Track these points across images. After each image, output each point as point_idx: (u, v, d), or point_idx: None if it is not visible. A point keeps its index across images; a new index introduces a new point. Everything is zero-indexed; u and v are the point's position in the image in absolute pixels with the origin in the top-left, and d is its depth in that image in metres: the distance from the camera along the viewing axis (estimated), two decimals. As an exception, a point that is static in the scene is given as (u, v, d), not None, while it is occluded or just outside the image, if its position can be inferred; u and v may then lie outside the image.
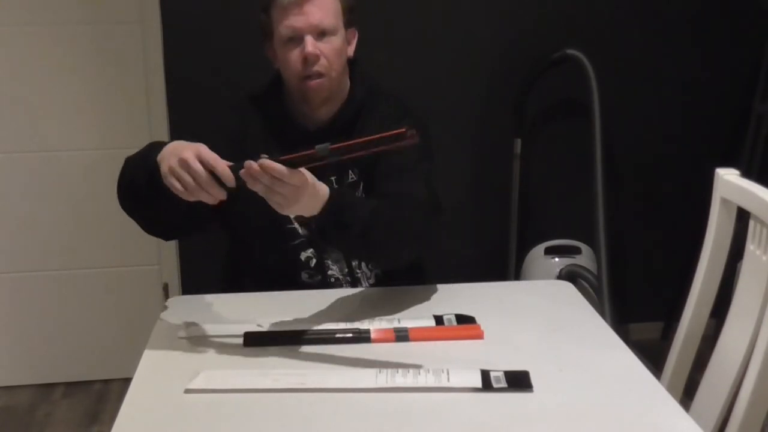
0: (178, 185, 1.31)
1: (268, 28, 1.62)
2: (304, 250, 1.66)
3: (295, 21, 1.55)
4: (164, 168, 1.33)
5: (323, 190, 1.36)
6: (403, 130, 1.22)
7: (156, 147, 1.41)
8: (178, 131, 2.74)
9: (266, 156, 1.25)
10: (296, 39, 1.56)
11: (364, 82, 1.68)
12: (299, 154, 1.27)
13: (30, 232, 2.78)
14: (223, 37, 2.69)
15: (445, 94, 2.83)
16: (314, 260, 1.66)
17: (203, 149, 1.31)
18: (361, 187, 1.64)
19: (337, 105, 1.65)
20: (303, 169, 1.28)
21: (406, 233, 1.52)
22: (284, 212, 1.33)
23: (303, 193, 1.30)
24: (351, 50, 1.67)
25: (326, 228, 1.40)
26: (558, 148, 2.95)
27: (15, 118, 2.69)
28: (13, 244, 2.78)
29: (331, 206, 1.36)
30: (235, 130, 1.66)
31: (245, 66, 2.61)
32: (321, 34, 1.56)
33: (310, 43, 1.55)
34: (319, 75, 1.57)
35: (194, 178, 1.29)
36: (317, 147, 1.26)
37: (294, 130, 1.65)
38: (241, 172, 1.27)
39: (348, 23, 1.63)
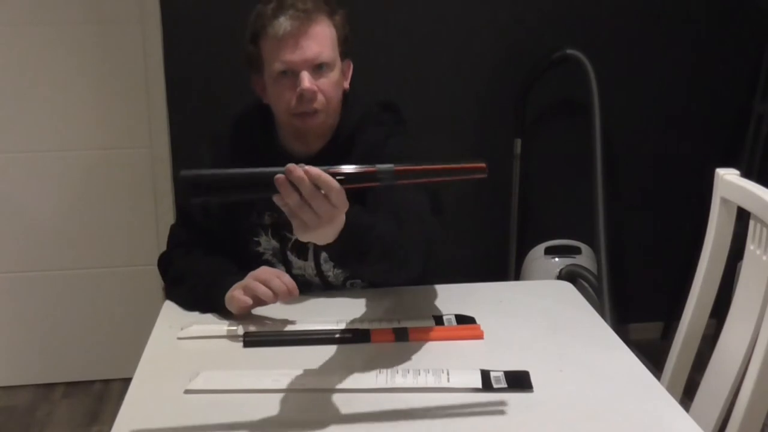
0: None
1: (256, 61, 1.51)
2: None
3: (290, 55, 1.44)
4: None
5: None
6: (483, 166, 1.08)
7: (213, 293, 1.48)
8: (178, 132, 2.75)
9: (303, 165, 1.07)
10: (290, 74, 1.46)
11: (355, 111, 1.58)
12: (355, 169, 1.09)
13: (30, 232, 2.78)
14: (223, 36, 2.69)
15: (445, 94, 2.83)
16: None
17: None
18: None
19: (328, 137, 1.56)
20: None
21: (419, 248, 1.39)
22: (305, 236, 1.12)
23: (337, 217, 1.11)
24: (347, 83, 1.57)
25: (343, 256, 1.27)
26: (558, 148, 2.95)
27: (15, 118, 2.69)
28: (13, 244, 2.78)
29: (347, 234, 1.17)
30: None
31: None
32: (317, 68, 1.46)
33: (307, 79, 1.44)
34: (316, 112, 1.48)
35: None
36: (378, 167, 1.08)
37: (279, 162, 1.57)
38: (278, 177, 1.06)
39: (344, 54, 1.53)
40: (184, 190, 1.14)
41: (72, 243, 2.80)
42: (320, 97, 1.47)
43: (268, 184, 1.07)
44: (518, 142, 2.88)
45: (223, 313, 1.47)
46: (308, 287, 1.63)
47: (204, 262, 1.57)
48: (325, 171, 1.07)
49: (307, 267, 1.61)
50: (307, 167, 1.06)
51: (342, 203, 1.09)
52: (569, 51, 2.72)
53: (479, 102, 2.88)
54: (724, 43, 2.90)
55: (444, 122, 2.84)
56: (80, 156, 2.74)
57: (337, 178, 1.08)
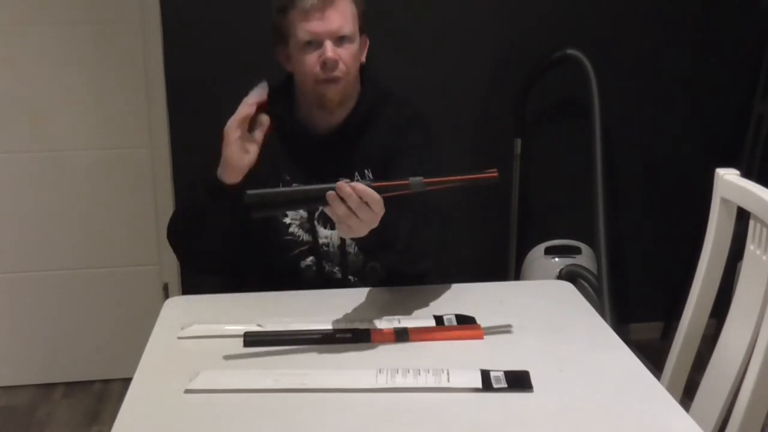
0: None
1: (283, 31, 1.61)
2: (304, 259, 1.67)
3: (316, 26, 1.55)
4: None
5: None
6: (495, 173, 1.31)
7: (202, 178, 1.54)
8: (178, 132, 2.75)
9: (347, 180, 1.29)
10: (315, 44, 1.57)
11: (373, 87, 1.69)
12: (390, 182, 1.33)
13: (30, 232, 2.78)
14: (223, 36, 2.69)
15: (445, 94, 2.83)
16: (314, 267, 1.67)
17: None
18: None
19: (348, 109, 1.65)
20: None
21: (437, 245, 1.59)
22: (350, 236, 1.37)
23: (377, 221, 1.33)
24: (363, 56, 1.67)
25: (370, 247, 1.49)
26: (558, 148, 2.95)
27: (15, 118, 2.69)
28: (12, 244, 2.78)
29: (377, 229, 1.37)
30: None
31: (245, 66, 2.62)
32: (340, 39, 1.57)
33: (330, 49, 1.55)
34: (337, 79, 1.58)
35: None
36: (411, 180, 1.32)
37: (302, 134, 1.66)
38: (329, 194, 1.28)
39: (361, 29, 1.63)
40: (248, 208, 1.34)
41: (72, 243, 2.80)
42: (341, 66, 1.58)
43: (321, 198, 1.29)
44: (518, 142, 2.88)
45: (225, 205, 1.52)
46: (327, 259, 1.66)
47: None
48: (368, 185, 1.30)
49: (334, 236, 1.66)
50: (353, 184, 1.28)
51: (381, 209, 1.32)
52: (569, 51, 2.72)
53: (479, 102, 2.88)
54: (724, 43, 2.90)
55: (444, 122, 2.83)
56: (80, 156, 2.74)
57: (375, 187, 1.30)
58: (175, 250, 1.67)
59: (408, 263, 1.58)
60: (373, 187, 1.30)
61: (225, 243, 1.60)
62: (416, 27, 2.78)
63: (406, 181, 1.32)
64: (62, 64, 2.66)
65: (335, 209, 1.29)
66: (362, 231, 1.34)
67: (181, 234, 1.63)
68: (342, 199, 1.28)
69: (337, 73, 1.57)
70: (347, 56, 1.58)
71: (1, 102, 2.67)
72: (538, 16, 2.82)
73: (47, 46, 2.64)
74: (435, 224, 1.58)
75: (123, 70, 2.69)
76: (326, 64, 1.56)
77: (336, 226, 1.34)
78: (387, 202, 1.38)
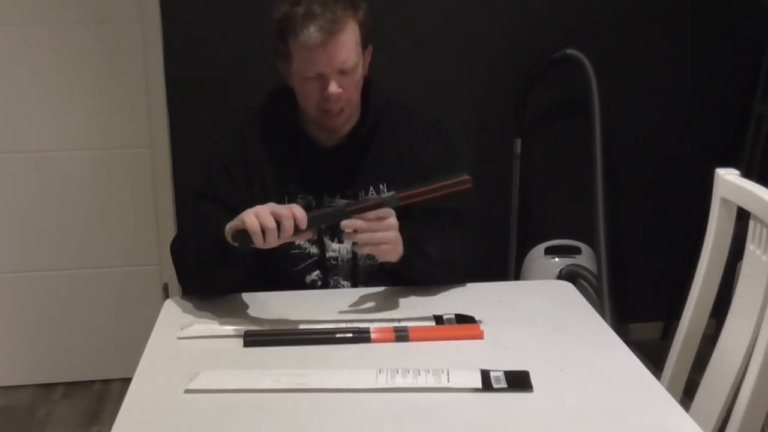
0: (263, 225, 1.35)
1: (283, 54, 1.56)
2: (310, 273, 1.66)
3: (320, 64, 1.51)
4: (248, 219, 1.36)
5: None
6: (467, 177, 1.38)
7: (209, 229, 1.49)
8: (178, 132, 2.75)
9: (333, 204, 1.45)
10: (318, 76, 1.53)
11: (378, 97, 1.66)
12: (366, 204, 1.41)
13: (29, 233, 2.78)
14: (223, 36, 2.69)
15: (445, 94, 2.83)
16: (320, 282, 1.66)
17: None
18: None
19: (352, 123, 1.64)
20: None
21: (465, 254, 1.68)
22: (388, 258, 1.49)
23: (399, 237, 1.46)
24: (366, 69, 1.63)
25: (411, 259, 1.53)
26: (558, 148, 2.95)
27: (15, 118, 2.69)
28: (12, 244, 2.78)
29: (409, 242, 1.50)
30: (237, 152, 1.64)
31: (246, 66, 2.62)
32: (343, 71, 1.53)
33: (334, 86, 1.52)
34: (341, 110, 1.57)
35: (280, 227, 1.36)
36: (384, 197, 1.41)
37: (308, 147, 1.64)
38: (346, 230, 1.41)
39: (365, 45, 1.59)
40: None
41: (72, 243, 2.80)
42: (344, 95, 1.56)
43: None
44: (518, 142, 2.88)
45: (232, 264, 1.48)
46: (335, 272, 1.66)
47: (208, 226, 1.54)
48: (341, 209, 1.40)
49: (342, 249, 1.64)
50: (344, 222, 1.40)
51: (392, 218, 1.44)
52: (569, 51, 2.72)
53: (479, 101, 2.88)
54: (724, 43, 2.90)
55: (444, 122, 2.82)
56: (80, 156, 2.74)
57: (350, 211, 1.39)
58: (177, 276, 1.64)
59: (439, 276, 1.62)
60: (348, 212, 1.39)
61: (233, 282, 1.56)
62: (416, 27, 2.78)
63: (380, 201, 1.41)
64: (62, 63, 2.66)
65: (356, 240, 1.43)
66: (398, 249, 1.49)
67: (187, 272, 1.58)
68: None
69: (340, 104, 1.55)
70: (350, 86, 1.55)
71: (1, 102, 2.67)
72: (538, 16, 2.82)
73: (47, 46, 2.64)
74: (458, 241, 1.65)
75: (123, 70, 2.69)
76: (330, 99, 1.54)
77: (374, 253, 1.47)
78: (418, 218, 1.51)
